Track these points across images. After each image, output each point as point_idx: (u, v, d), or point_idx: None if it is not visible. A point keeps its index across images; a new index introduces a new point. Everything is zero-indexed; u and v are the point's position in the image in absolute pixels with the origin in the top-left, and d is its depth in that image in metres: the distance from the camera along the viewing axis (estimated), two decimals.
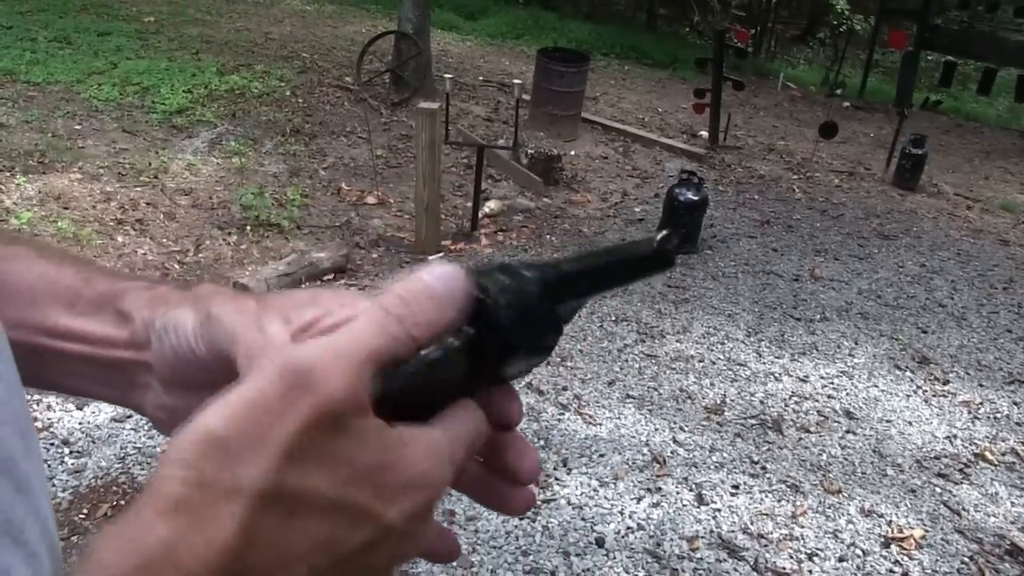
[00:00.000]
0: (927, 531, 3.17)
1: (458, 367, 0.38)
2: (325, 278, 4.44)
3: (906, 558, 3.01)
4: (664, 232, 0.43)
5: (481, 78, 9.12)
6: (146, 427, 3.12)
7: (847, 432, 3.76)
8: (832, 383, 4.15)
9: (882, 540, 3.09)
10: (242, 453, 0.32)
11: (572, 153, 7.17)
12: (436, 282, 0.37)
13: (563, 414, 3.57)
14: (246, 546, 0.32)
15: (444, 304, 0.37)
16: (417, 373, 0.36)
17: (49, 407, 3.17)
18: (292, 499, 0.33)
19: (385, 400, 0.35)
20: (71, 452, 2.97)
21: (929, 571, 2.97)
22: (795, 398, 3.97)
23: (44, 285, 0.48)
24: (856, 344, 4.60)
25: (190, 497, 0.32)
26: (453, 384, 0.38)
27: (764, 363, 4.26)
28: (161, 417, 0.47)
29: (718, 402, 3.85)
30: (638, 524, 2.99)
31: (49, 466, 2.89)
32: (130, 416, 3.16)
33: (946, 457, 3.68)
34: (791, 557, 2.94)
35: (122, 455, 2.98)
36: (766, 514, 3.13)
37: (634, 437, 3.49)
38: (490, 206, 5.73)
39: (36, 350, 0.47)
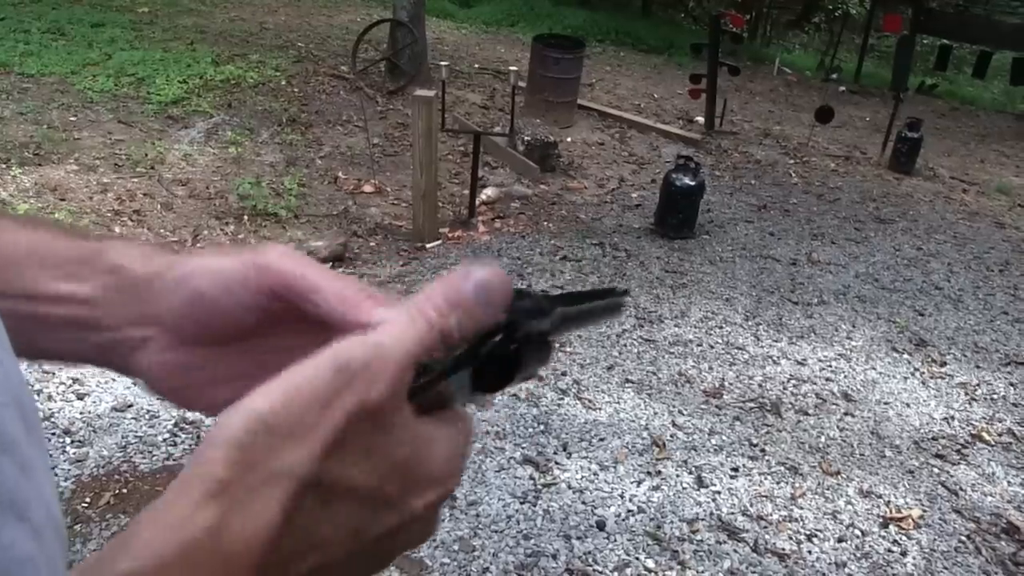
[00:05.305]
0: (925, 511, 3.20)
1: (464, 377, 0.40)
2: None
3: (904, 537, 3.04)
4: (624, 288, 0.46)
5: (477, 66, 9.09)
6: (147, 416, 3.13)
7: (845, 414, 3.78)
8: (830, 366, 4.17)
9: (880, 520, 3.11)
10: (289, 439, 0.33)
11: (568, 140, 7.16)
12: (478, 292, 0.38)
13: (563, 399, 3.58)
14: (284, 531, 0.33)
15: (483, 315, 0.38)
16: (450, 372, 0.39)
17: (50, 397, 3.17)
18: (331, 488, 0.34)
19: (422, 394, 0.38)
20: (72, 442, 2.98)
21: (927, 550, 2.99)
22: (793, 381, 3.99)
23: (27, 252, 0.47)
24: (854, 327, 4.61)
25: (235, 480, 0.32)
26: (454, 392, 0.41)
27: (762, 347, 4.27)
28: (157, 374, 0.47)
29: (717, 386, 3.87)
30: (638, 507, 3.01)
31: (51, 456, 2.90)
32: (131, 405, 3.17)
33: (944, 438, 3.70)
34: (790, 538, 2.96)
35: (123, 444, 2.99)
36: (765, 496, 3.16)
37: (633, 421, 3.50)
38: (487, 193, 5.73)
39: (23, 317, 0.46)
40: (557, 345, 0.44)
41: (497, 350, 0.40)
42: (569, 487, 3.06)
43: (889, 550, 2.97)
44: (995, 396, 4.11)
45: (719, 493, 3.14)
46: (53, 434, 3.00)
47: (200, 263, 0.45)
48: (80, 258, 0.47)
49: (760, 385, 3.92)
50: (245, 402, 0.34)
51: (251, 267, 0.43)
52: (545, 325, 0.41)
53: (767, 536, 2.94)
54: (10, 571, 0.35)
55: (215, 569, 0.32)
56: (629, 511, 2.98)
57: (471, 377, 0.40)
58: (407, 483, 0.37)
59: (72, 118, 5.93)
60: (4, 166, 5.03)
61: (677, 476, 3.20)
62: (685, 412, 3.62)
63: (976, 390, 4.14)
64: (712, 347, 4.21)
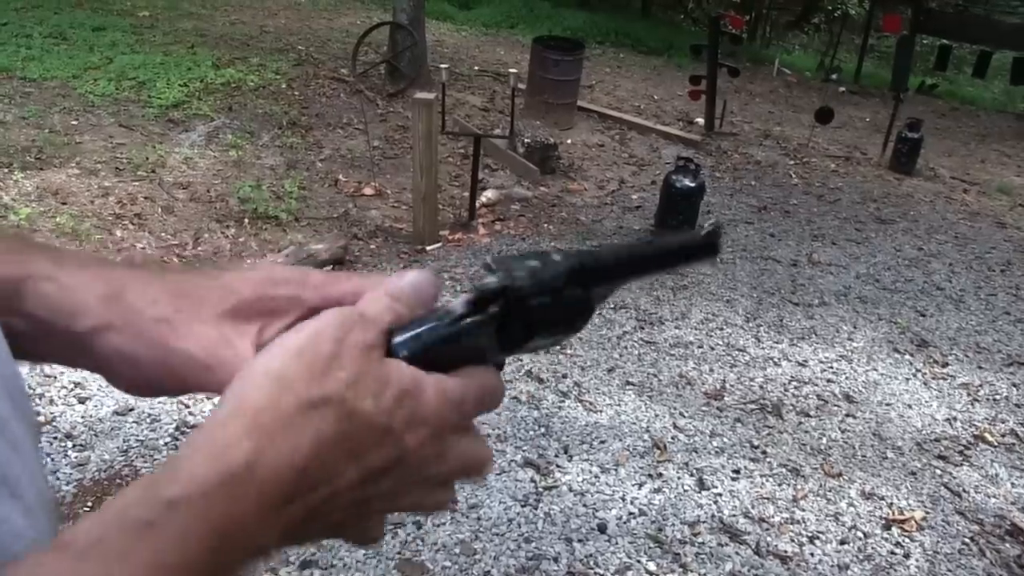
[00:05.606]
0: (928, 513, 3.19)
1: (484, 338, 0.43)
2: (324, 269, 4.44)
3: (907, 540, 3.03)
4: (713, 223, 0.47)
5: (476, 68, 9.10)
6: (148, 420, 3.13)
7: (847, 416, 3.77)
8: (831, 367, 4.17)
9: (883, 522, 3.11)
10: (322, 365, 0.38)
11: (568, 141, 7.16)
12: (416, 284, 0.44)
13: (563, 401, 3.58)
14: (312, 457, 0.37)
15: (423, 299, 0.44)
16: (448, 338, 0.43)
17: (52, 401, 3.17)
18: (348, 415, 0.38)
19: (420, 355, 0.42)
20: (74, 446, 2.98)
21: (930, 552, 2.99)
22: (794, 382, 3.99)
23: None
24: (855, 328, 4.61)
25: (271, 408, 0.37)
26: (480, 351, 0.44)
27: (763, 348, 4.27)
28: (112, 382, 0.48)
29: (718, 387, 3.86)
30: (640, 510, 3.00)
31: (52, 460, 2.90)
32: (132, 409, 3.17)
33: (946, 439, 3.70)
34: (792, 540, 2.95)
35: (125, 448, 2.99)
36: (767, 498, 3.15)
37: (634, 423, 3.50)
38: (487, 196, 5.73)
39: None
40: (591, 298, 0.46)
41: (503, 309, 0.43)
42: (570, 490, 3.06)
43: (892, 552, 2.96)
44: (998, 397, 4.10)
45: (720, 495, 3.13)
46: (55, 438, 3.00)
47: (111, 340, 0.46)
48: (2, 294, 0.46)
49: (761, 387, 3.92)
50: (284, 340, 0.40)
51: (158, 352, 0.45)
52: (558, 282, 0.43)
53: (769, 538, 2.94)
54: (4, 545, 0.37)
55: (251, 497, 0.35)
56: (630, 514, 2.98)
57: (496, 336, 0.43)
58: (403, 419, 0.40)
59: (73, 122, 5.93)
60: (6, 170, 5.03)
61: (678, 478, 3.20)
62: (686, 414, 3.62)
63: (978, 391, 4.13)
64: (713, 349, 4.20)
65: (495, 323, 0.43)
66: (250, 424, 0.36)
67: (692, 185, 5.41)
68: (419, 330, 0.42)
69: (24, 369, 0.45)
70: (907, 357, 4.36)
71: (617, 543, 2.83)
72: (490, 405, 0.45)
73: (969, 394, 4.09)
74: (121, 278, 0.47)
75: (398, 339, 0.42)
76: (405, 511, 0.44)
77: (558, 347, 3.95)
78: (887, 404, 3.91)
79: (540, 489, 3.03)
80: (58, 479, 2.81)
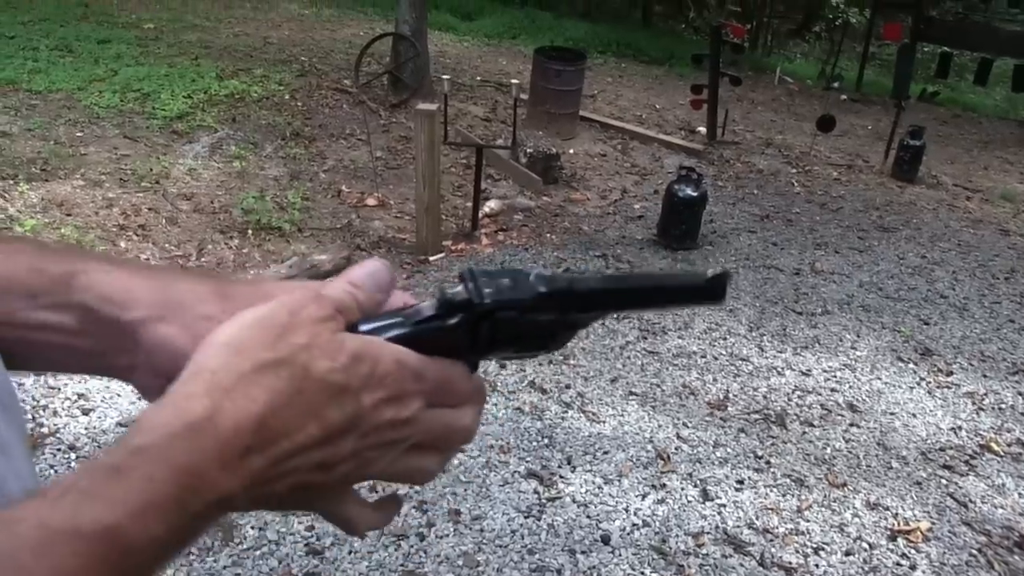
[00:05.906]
0: (934, 523, 3.18)
1: (447, 341, 0.45)
2: (327, 280, 4.45)
3: (913, 551, 3.02)
4: (720, 269, 0.47)
5: (479, 78, 9.12)
6: None
7: (851, 425, 3.76)
8: (835, 376, 4.16)
9: (888, 533, 3.09)
10: (277, 332, 0.41)
11: (571, 151, 7.17)
12: (373, 272, 0.48)
13: (566, 412, 3.57)
14: (269, 412, 0.39)
15: (380, 286, 0.47)
16: (409, 336, 0.45)
17: (55, 413, 3.18)
18: (303, 374, 0.40)
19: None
20: (78, 457, 2.98)
21: (937, 564, 2.97)
22: (798, 392, 3.98)
23: (6, 279, 0.49)
24: (858, 337, 4.60)
25: (229, 370, 0.39)
26: (449, 350, 0.46)
27: (766, 358, 4.26)
28: (150, 393, 0.49)
29: (721, 397, 3.86)
30: (643, 521, 2.99)
31: (56, 471, 2.90)
32: (135, 421, 3.17)
33: (951, 449, 3.68)
34: (797, 551, 2.94)
35: None
36: (771, 509, 3.14)
37: (638, 434, 3.49)
38: (490, 206, 5.74)
39: (14, 341, 0.48)
40: (561, 322, 0.47)
41: (466, 320, 0.45)
42: (574, 501, 3.05)
43: (898, 564, 2.95)
44: (1003, 406, 4.09)
45: (724, 506, 3.13)
46: (58, 450, 3.01)
47: (157, 333, 0.48)
48: (52, 287, 0.49)
49: (765, 396, 3.91)
50: (237, 316, 0.42)
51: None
52: (525, 303, 0.45)
53: (773, 549, 2.93)
54: None
55: (212, 445, 0.38)
56: (634, 525, 2.97)
57: (465, 338, 0.45)
58: (359, 378, 0.41)
59: (79, 134, 5.96)
60: (12, 182, 5.05)
61: (682, 489, 3.19)
62: (689, 424, 3.61)
63: (983, 399, 4.12)
64: (716, 358, 4.20)
65: (459, 330, 0.45)
66: (208, 383, 0.39)
67: (694, 194, 5.41)
68: (383, 323, 0.45)
69: (28, 380, 0.47)
70: (911, 366, 4.35)
71: (620, 555, 2.82)
72: (457, 394, 0.47)
73: (974, 403, 4.08)
74: (167, 275, 0.50)
75: (363, 328, 0.44)
76: (378, 479, 0.46)
77: (561, 357, 3.95)
78: (891, 413, 3.90)
79: (543, 500, 3.03)
80: None
